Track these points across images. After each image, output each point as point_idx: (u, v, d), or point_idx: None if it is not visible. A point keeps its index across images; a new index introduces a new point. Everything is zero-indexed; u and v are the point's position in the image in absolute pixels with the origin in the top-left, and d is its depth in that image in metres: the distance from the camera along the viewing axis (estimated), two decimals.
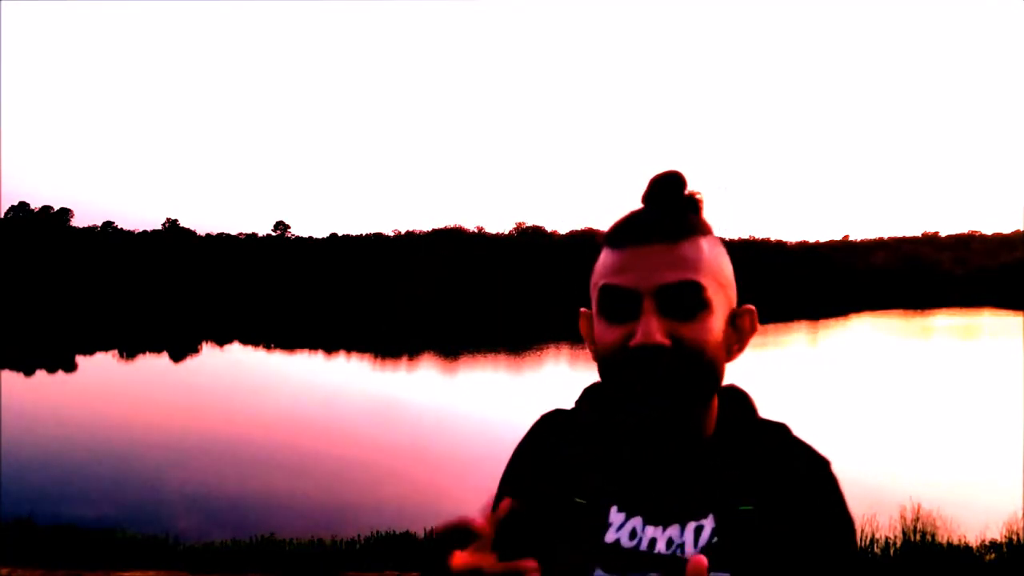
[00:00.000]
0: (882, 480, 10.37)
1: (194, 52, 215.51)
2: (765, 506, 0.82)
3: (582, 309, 0.92)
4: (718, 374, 0.84)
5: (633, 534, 0.84)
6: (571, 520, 0.87)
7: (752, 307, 0.89)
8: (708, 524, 0.82)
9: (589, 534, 0.85)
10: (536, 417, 1.00)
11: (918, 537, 6.18)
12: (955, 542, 6.14)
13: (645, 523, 0.85)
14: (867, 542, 6.29)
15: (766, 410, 0.93)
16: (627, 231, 0.85)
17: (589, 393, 0.98)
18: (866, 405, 17.93)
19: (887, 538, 6.27)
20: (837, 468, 0.87)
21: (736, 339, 0.88)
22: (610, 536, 0.85)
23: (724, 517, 0.82)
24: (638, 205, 0.89)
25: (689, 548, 0.81)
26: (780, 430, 0.89)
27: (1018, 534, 6.20)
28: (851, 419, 15.92)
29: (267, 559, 6.16)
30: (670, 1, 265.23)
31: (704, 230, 0.86)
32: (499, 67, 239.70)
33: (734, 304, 0.89)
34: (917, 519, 6.38)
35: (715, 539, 0.81)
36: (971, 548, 6.03)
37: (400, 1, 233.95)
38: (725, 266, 0.87)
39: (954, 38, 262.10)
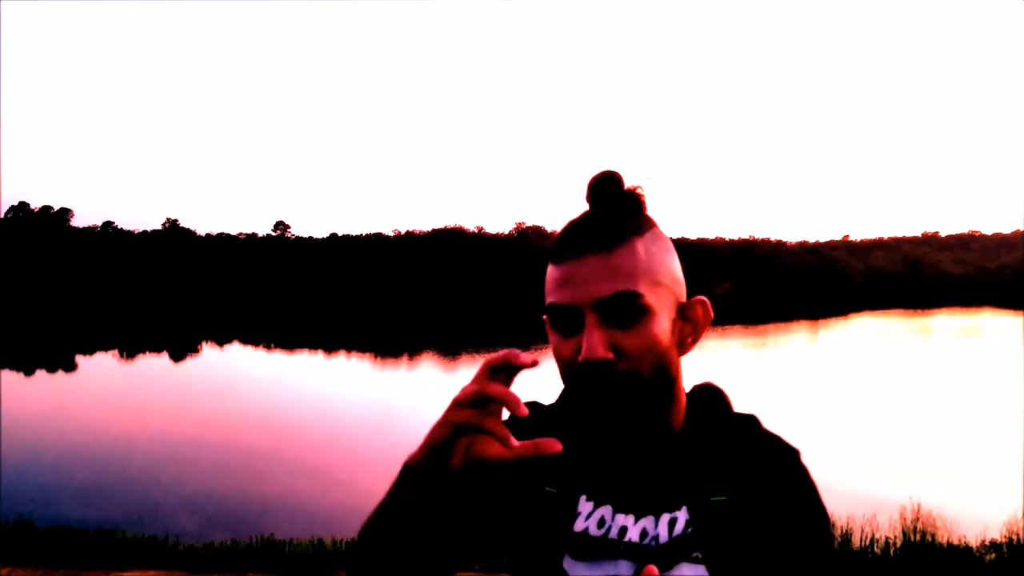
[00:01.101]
0: (882, 480, 10.37)
1: (194, 52, 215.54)
2: (737, 497, 0.84)
3: (544, 316, 0.92)
4: (667, 374, 0.86)
5: (601, 523, 0.87)
6: (541, 509, 0.89)
7: (703, 297, 0.90)
8: (682, 516, 0.85)
9: (558, 523, 0.88)
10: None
11: (918, 537, 6.18)
12: (955, 542, 6.14)
13: (615, 512, 0.88)
14: (867, 542, 6.29)
15: (768, 410, 0.93)
16: (564, 245, 0.86)
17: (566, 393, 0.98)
18: (866, 405, 17.93)
19: (887, 538, 6.27)
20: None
21: (690, 331, 0.90)
22: (579, 525, 0.88)
23: (697, 509, 0.84)
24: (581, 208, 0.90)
25: (664, 538, 0.84)
26: (750, 422, 0.91)
27: (1018, 534, 6.20)
28: (851, 419, 15.92)
29: (267, 560, 6.15)
30: (670, 1, 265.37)
31: (642, 229, 0.86)
32: (499, 67, 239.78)
33: (682, 298, 0.90)
34: (917, 519, 6.39)
35: (689, 530, 0.83)
36: (971, 548, 6.04)
37: (400, 1, 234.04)
38: (667, 263, 0.87)
39: (954, 38, 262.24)
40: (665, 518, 0.85)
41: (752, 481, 0.85)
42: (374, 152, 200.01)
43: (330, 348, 40.92)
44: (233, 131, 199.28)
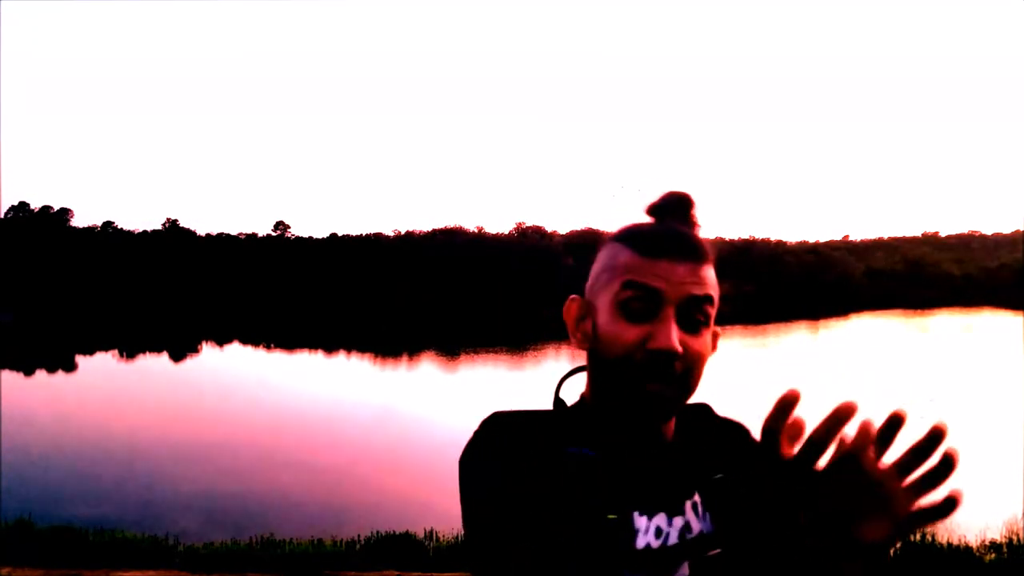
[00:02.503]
0: None
1: (194, 52, 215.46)
2: (729, 472, 0.92)
3: (574, 296, 0.94)
4: (699, 382, 0.91)
5: (659, 532, 0.88)
6: (603, 536, 0.85)
7: (717, 331, 0.94)
8: (698, 499, 0.91)
9: (620, 546, 0.86)
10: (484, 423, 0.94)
11: (918, 537, 6.18)
12: (955, 542, 6.14)
13: (670, 517, 0.89)
14: None
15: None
16: (662, 244, 0.88)
17: (561, 403, 0.95)
18: (866, 405, 17.92)
19: None
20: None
21: None
22: (640, 542, 0.87)
23: (706, 490, 0.91)
24: (646, 216, 0.94)
25: (696, 527, 0.90)
26: (704, 410, 1.00)
27: (1018, 534, 6.21)
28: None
29: (267, 560, 6.15)
30: (670, 2, 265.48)
31: (713, 256, 0.92)
32: (499, 67, 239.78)
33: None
34: None
35: (709, 514, 0.90)
36: (971, 548, 6.04)
37: (400, 1, 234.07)
38: (718, 293, 0.94)
39: (954, 38, 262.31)
40: (688, 506, 0.90)
41: (731, 457, 0.94)
42: (374, 152, 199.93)
43: (330, 348, 40.92)
44: (233, 131, 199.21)
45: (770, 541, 0.77)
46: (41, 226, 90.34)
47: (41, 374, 30.17)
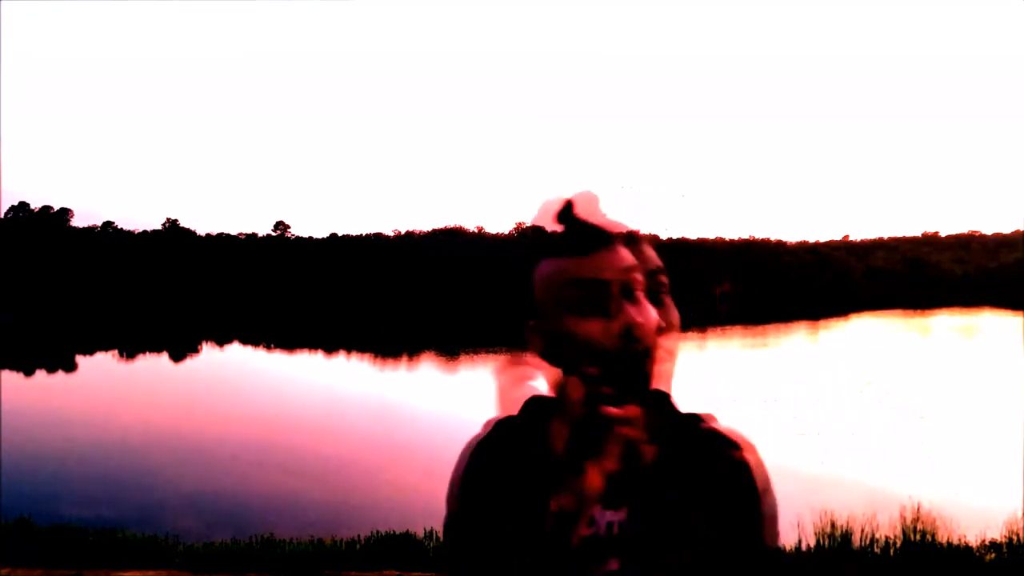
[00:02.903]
0: (882, 480, 10.37)
1: (194, 52, 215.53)
2: (677, 488, 0.91)
3: (531, 322, 0.98)
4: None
5: (591, 522, 0.91)
6: (547, 523, 0.92)
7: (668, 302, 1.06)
8: (642, 503, 0.91)
9: (566, 532, 0.91)
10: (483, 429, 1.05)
11: (918, 537, 6.18)
12: (955, 542, 6.14)
13: (604, 508, 0.92)
14: (867, 542, 6.29)
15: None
16: (587, 237, 0.94)
17: (531, 405, 1.02)
18: (866, 405, 17.92)
19: (887, 538, 6.27)
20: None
21: None
22: (584, 530, 0.91)
23: (640, 499, 0.91)
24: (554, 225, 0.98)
25: (636, 528, 0.90)
26: (693, 418, 0.98)
27: (1018, 534, 6.20)
28: (851, 419, 15.92)
29: (267, 559, 6.15)
30: (670, 2, 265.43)
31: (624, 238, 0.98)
32: (499, 68, 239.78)
33: None
34: (917, 519, 6.38)
35: (628, 521, 0.90)
36: (971, 548, 6.03)
37: (401, 2, 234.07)
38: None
39: (954, 38, 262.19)
40: (633, 506, 0.91)
41: (689, 472, 0.91)
42: (374, 152, 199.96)
43: (330, 348, 40.91)
44: (233, 131, 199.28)
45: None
46: (41, 226, 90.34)
47: (41, 374, 30.16)
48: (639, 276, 0.94)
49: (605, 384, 0.91)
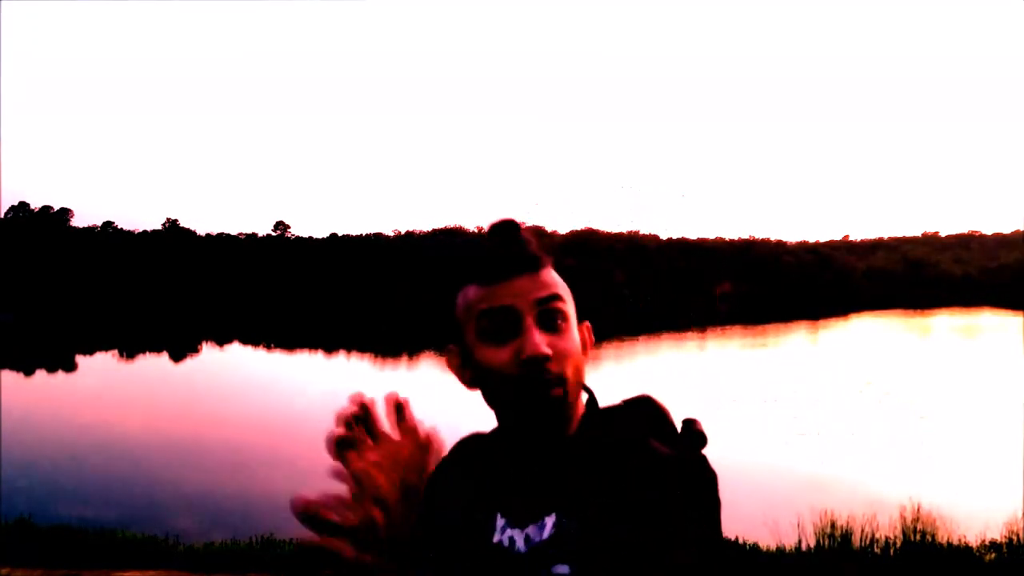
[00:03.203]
0: (882, 480, 10.37)
1: (194, 52, 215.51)
2: (610, 497, 0.88)
3: (450, 346, 1.01)
4: (582, 378, 0.95)
5: (511, 539, 0.92)
6: (468, 531, 0.95)
7: (588, 323, 1.01)
8: (550, 521, 0.90)
9: (480, 541, 0.94)
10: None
11: (918, 537, 6.18)
12: (955, 542, 6.13)
13: (507, 526, 0.93)
14: (867, 542, 6.29)
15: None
16: (491, 267, 0.95)
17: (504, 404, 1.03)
18: (866, 405, 17.92)
19: (887, 538, 6.26)
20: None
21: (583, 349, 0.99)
22: (496, 540, 0.93)
23: (570, 510, 0.89)
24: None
25: (549, 536, 0.89)
26: (636, 425, 0.95)
27: (1018, 534, 6.20)
28: (851, 419, 15.92)
29: (267, 559, 6.15)
30: (670, 2, 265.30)
31: (548, 261, 0.97)
32: (499, 67, 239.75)
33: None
34: (917, 519, 6.38)
35: (556, 531, 0.89)
36: (971, 548, 6.03)
37: (400, 2, 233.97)
38: (567, 288, 0.99)
39: (954, 38, 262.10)
40: (548, 522, 0.90)
41: (626, 480, 0.87)
42: (374, 152, 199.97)
43: (330, 348, 40.92)
44: (233, 131, 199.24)
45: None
46: (41, 226, 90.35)
47: (41, 374, 30.16)
48: (557, 304, 0.93)
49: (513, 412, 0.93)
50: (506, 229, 0.99)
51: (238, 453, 14.37)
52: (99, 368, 33.45)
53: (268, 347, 44.02)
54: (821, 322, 56.50)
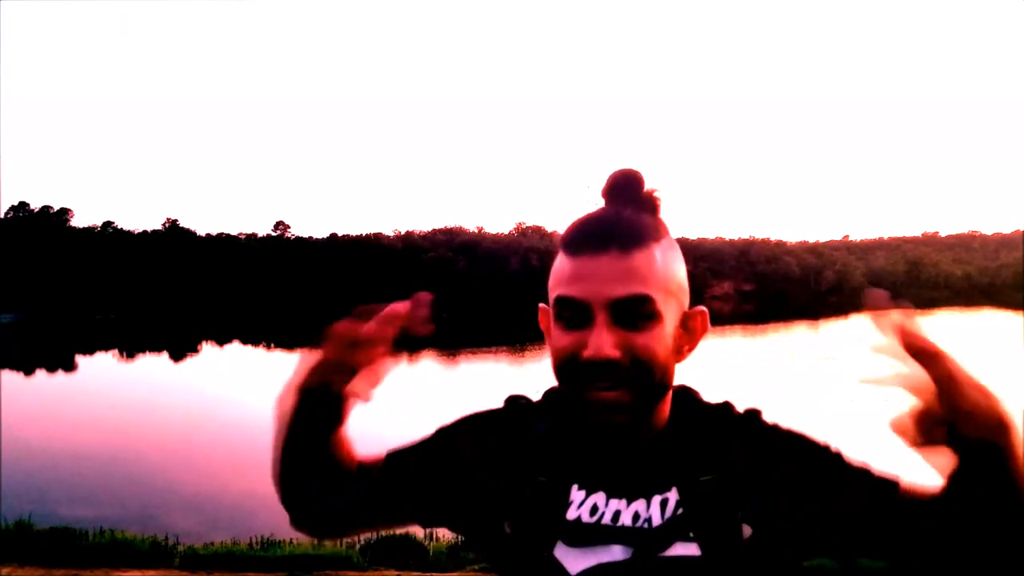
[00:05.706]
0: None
1: (194, 52, 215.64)
2: (724, 475, 0.86)
3: (541, 305, 0.93)
4: (666, 378, 0.88)
5: (594, 510, 0.87)
6: (532, 498, 0.89)
7: (703, 308, 0.92)
8: (672, 496, 0.86)
9: (550, 511, 0.88)
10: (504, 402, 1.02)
11: None
12: None
13: (608, 498, 0.88)
14: None
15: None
16: (582, 238, 0.86)
17: (552, 391, 0.99)
18: (866, 405, 17.92)
19: None
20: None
21: (687, 340, 0.91)
22: (571, 513, 0.87)
23: (687, 488, 0.86)
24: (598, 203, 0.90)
25: (656, 520, 0.85)
26: (724, 408, 0.94)
27: None
28: (851, 419, 15.91)
29: (267, 560, 6.15)
30: (671, 2, 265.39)
31: (659, 235, 0.87)
32: (499, 67, 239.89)
33: (686, 307, 0.91)
34: None
35: (680, 510, 0.85)
36: None
37: (400, 2, 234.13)
38: (677, 272, 0.89)
39: (954, 38, 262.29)
40: (656, 500, 0.86)
41: (735, 456, 0.88)
42: (374, 152, 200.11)
43: None
44: (233, 131, 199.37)
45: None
46: (41, 226, 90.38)
47: (41, 374, 30.16)
48: (638, 302, 0.83)
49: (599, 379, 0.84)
50: (620, 185, 0.89)
51: (238, 453, 14.37)
52: (99, 368, 33.45)
53: (268, 347, 44.02)
54: (821, 322, 56.51)
